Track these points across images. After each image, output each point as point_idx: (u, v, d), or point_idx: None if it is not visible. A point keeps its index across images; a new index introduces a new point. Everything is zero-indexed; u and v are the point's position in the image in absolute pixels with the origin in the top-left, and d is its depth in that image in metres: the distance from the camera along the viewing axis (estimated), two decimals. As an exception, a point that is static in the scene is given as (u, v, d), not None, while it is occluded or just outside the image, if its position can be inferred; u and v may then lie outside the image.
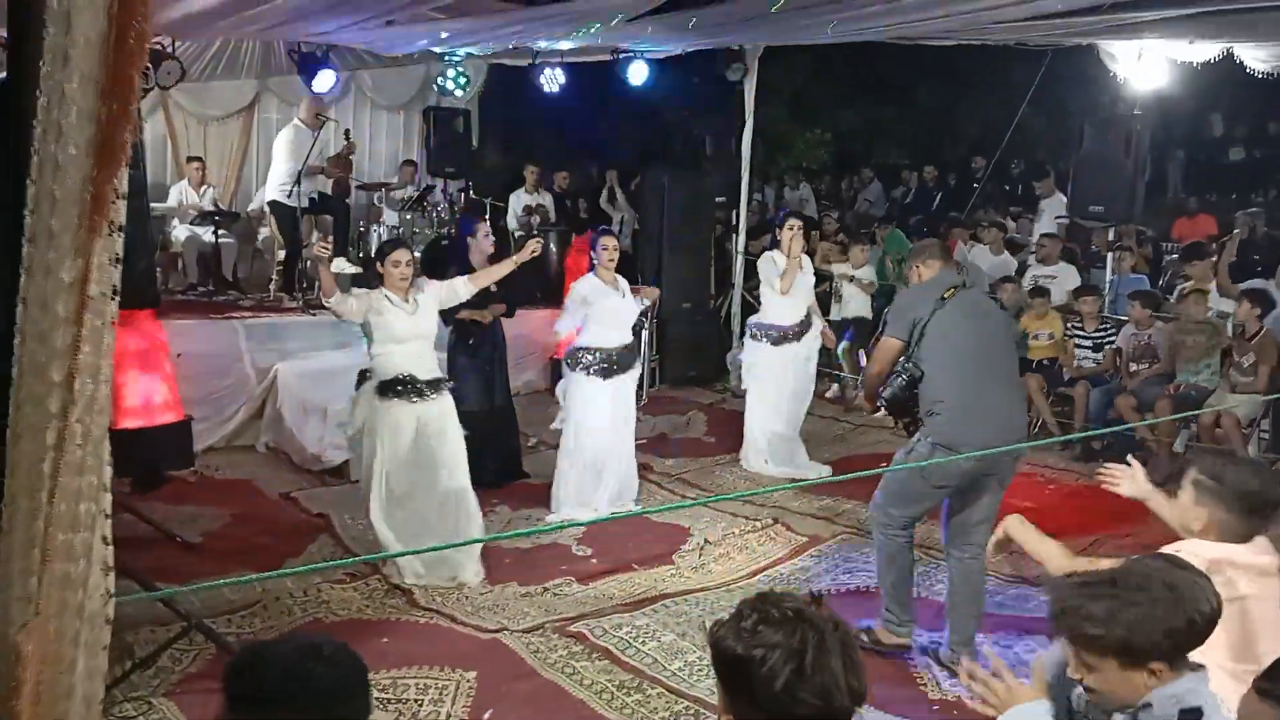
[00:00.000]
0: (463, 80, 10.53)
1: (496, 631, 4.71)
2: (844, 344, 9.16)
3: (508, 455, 6.93)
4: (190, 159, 9.79)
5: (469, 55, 9.92)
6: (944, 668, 4.43)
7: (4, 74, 1.94)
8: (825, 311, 9.44)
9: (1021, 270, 9.55)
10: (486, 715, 4.03)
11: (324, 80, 8.52)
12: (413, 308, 5.26)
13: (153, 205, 9.23)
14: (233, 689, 1.64)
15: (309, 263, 8.94)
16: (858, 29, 7.64)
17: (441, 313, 5.61)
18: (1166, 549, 2.64)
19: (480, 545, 5.39)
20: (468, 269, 6.50)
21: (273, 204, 8.89)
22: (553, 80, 9.67)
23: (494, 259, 6.73)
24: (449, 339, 6.56)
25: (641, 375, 6.92)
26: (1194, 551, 2.60)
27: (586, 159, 13.37)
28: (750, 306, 8.05)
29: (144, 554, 5.16)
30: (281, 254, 8.99)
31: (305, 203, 8.78)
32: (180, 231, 9.34)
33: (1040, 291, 8.42)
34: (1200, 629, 2.08)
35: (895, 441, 7.73)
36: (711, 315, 10.12)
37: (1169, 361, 7.48)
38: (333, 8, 6.50)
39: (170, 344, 6.88)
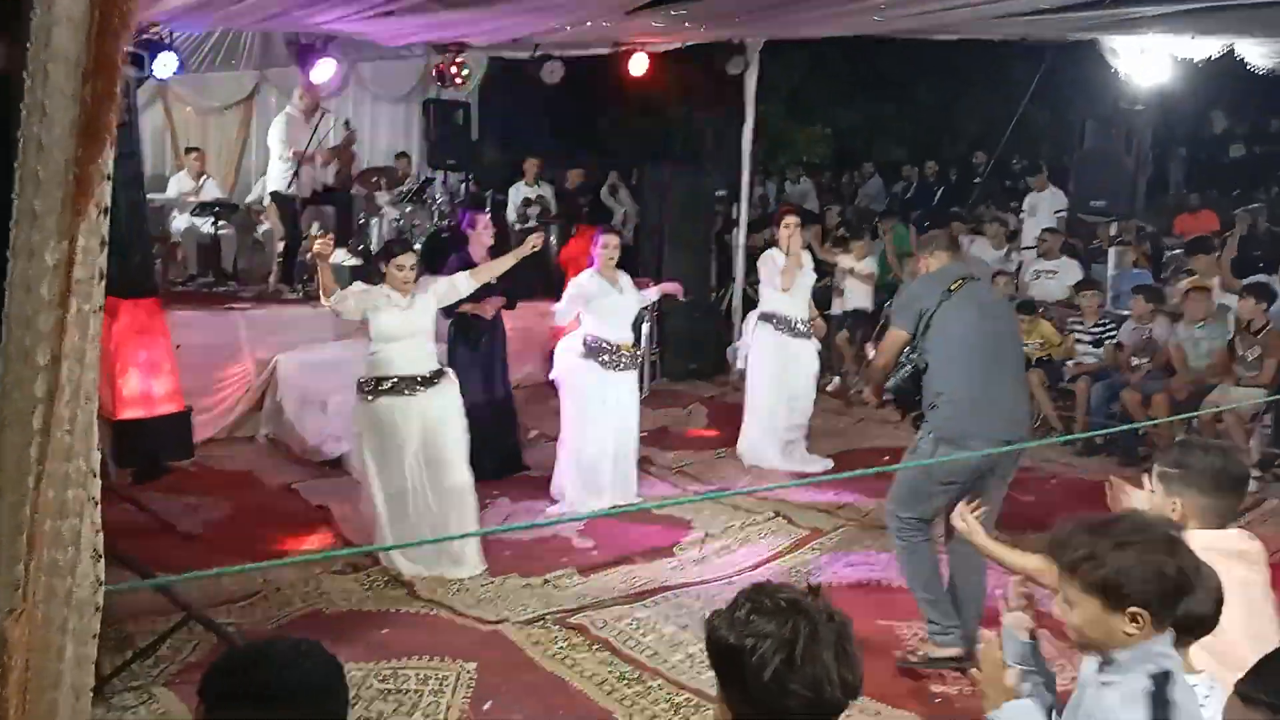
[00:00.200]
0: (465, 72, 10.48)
1: (497, 623, 4.71)
2: (842, 333, 9.16)
3: (508, 448, 6.93)
4: (189, 150, 9.76)
5: (469, 47, 9.88)
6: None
7: None
8: (827, 305, 9.46)
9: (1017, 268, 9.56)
10: (486, 706, 4.03)
11: (323, 70, 8.49)
12: (409, 303, 5.25)
13: (152, 196, 9.24)
14: (212, 690, 1.63)
15: (309, 254, 8.91)
16: (861, 22, 7.63)
17: (442, 308, 5.60)
18: None
19: (478, 540, 5.37)
20: (468, 261, 6.50)
21: (274, 195, 8.87)
22: (553, 73, 9.63)
23: (494, 252, 6.73)
24: (449, 332, 6.55)
25: (642, 369, 6.91)
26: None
27: (587, 152, 13.35)
28: (751, 301, 8.03)
29: (144, 544, 5.15)
30: (281, 245, 8.97)
31: (306, 194, 8.75)
32: (179, 223, 9.32)
33: (1027, 307, 8.16)
34: (1184, 586, 2.07)
35: (897, 435, 7.74)
36: (712, 309, 10.11)
37: (1170, 356, 7.47)
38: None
39: (170, 335, 6.89)
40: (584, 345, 6.16)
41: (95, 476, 1.50)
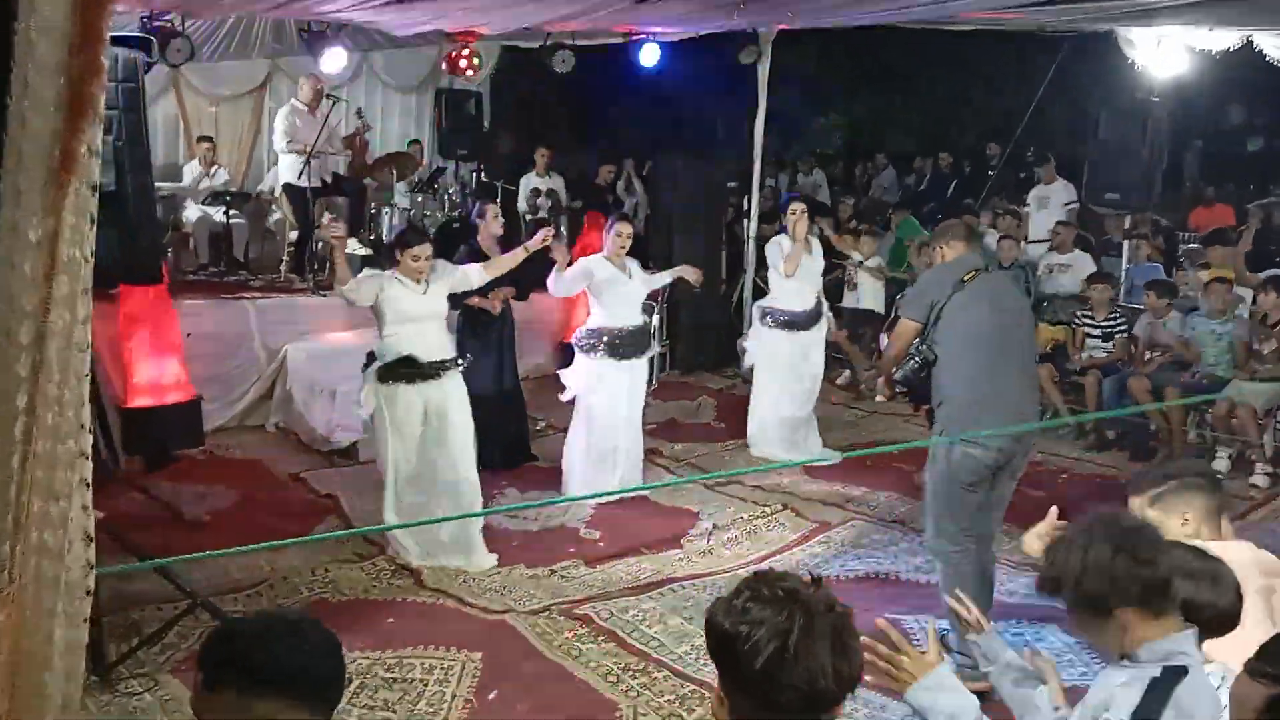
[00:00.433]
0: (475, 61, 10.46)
1: (503, 613, 4.71)
2: (841, 332, 9.10)
3: (516, 438, 6.92)
4: (200, 139, 9.77)
5: (480, 37, 9.86)
6: (952, 654, 4.38)
7: None
8: (839, 299, 9.42)
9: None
10: (491, 696, 4.03)
11: (333, 60, 8.47)
12: (423, 288, 5.24)
13: (164, 185, 9.26)
14: (209, 661, 1.63)
15: (320, 244, 8.92)
16: (877, 11, 7.57)
17: (450, 296, 5.59)
18: None
19: (481, 535, 5.37)
20: (477, 251, 6.50)
21: (285, 186, 8.87)
22: (564, 62, 9.59)
23: (503, 242, 6.72)
24: (458, 322, 6.54)
25: (652, 360, 6.89)
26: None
27: (598, 142, 13.31)
28: (762, 293, 8.00)
29: (152, 532, 5.18)
30: (293, 235, 8.98)
31: (318, 184, 8.76)
32: (191, 212, 9.33)
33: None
34: (1163, 578, 2.11)
35: (908, 429, 7.75)
36: (722, 301, 10.07)
37: (1184, 350, 7.42)
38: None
39: (181, 324, 6.91)
40: (592, 334, 6.14)
41: (86, 458, 1.49)
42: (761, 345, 7.25)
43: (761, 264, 8.54)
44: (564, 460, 6.32)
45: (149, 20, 7.04)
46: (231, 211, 9.19)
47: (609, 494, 5.97)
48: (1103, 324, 7.95)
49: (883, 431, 7.87)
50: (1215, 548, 2.64)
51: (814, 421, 7.30)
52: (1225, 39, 7.55)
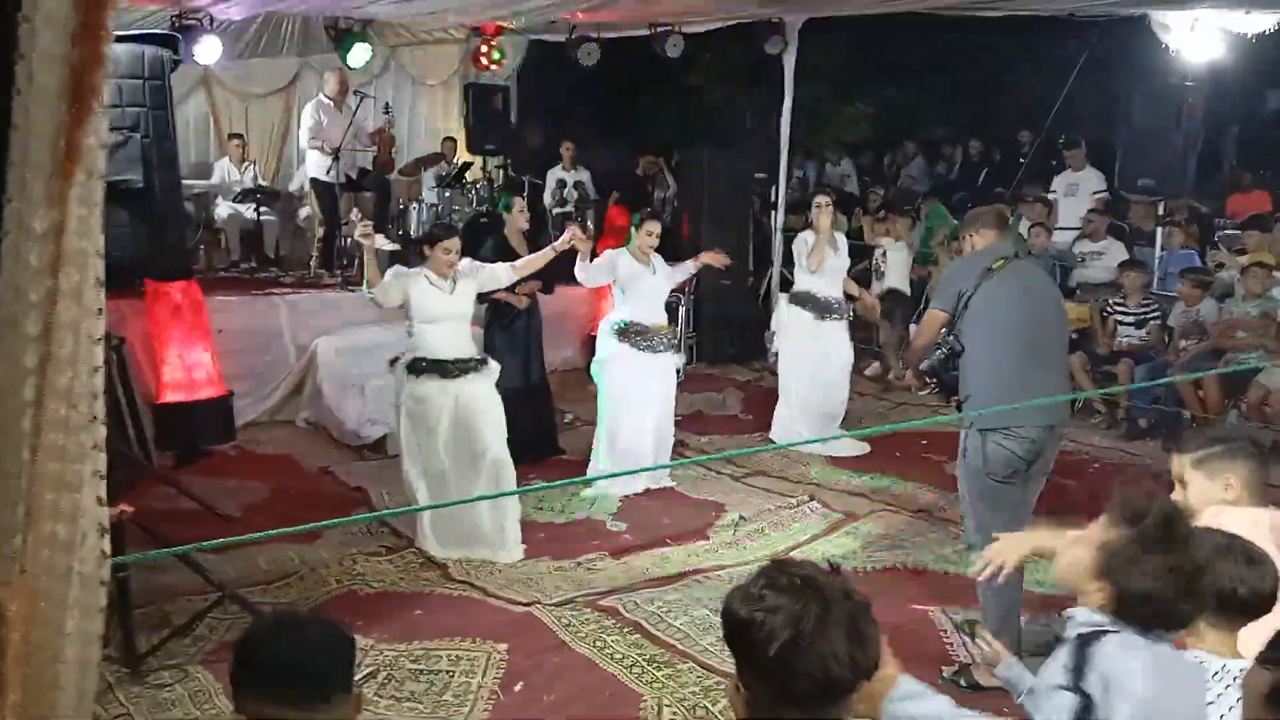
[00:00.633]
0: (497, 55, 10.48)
1: (529, 605, 4.72)
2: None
3: (543, 432, 6.94)
4: (231, 136, 9.88)
5: (505, 31, 9.88)
6: (978, 645, 4.34)
7: None
8: (866, 287, 9.36)
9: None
10: (517, 687, 4.04)
11: (359, 55, 8.51)
12: (450, 287, 5.26)
13: (196, 183, 9.38)
14: (236, 660, 1.74)
15: (348, 240, 8.99)
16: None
17: (478, 294, 5.61)
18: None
19: (518, 524, 5.39)
20: (504, 244, 6.52)
21: (313, 181, 8.94)
22: (590, 55, 9.59)
23: (529, 236, 6.74)
24: (485, 316, 6.57)
25: (680, 359, 6.90)
26: (1232, 521, 2.53)
27: (625, 135, 13.30)
28: (789, 284, 7.97)
29: (184, 526, 5.24)
30: (322, 231, 9.05)
31: (344, 179, 8.82)
32: (223, 209, 9.44)
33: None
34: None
35: (936, 419, 7.67)
36: (750, 293, 10.04)
37: (1218, 338, 7.31)
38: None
39: (212, 320, 6.99)
40: (618, 329, 6.15)
41: (100, 451, 1.50)
42: (788, 337, 7.22)
43: (788, 259, 8.52)
44: (592, 454, 6.34)
45: (178, 19, 7.11)
46: (262, 208, 9.27)
47: (631, 472, 5.98)
48: (1135, 311, 7.85)
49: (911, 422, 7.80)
50: (1254, 514, 2.62)
51: (841, 414, 7.26)
52: (1262, 21, 7.40)
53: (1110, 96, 11.32)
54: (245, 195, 9.30)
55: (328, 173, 8.71)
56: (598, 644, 4.38)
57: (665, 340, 6.29)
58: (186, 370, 6.77)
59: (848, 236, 7.71)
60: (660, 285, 6.31)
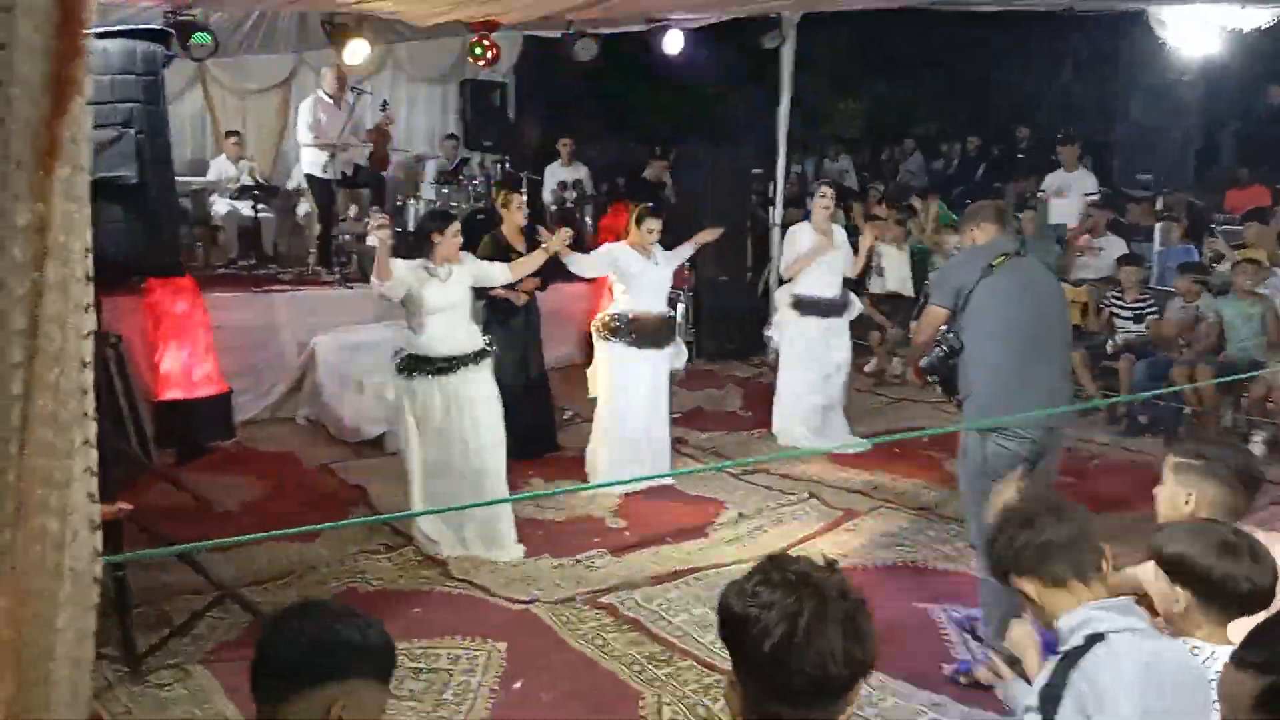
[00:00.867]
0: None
1: (528, 603, 4.71)
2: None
3: (542, 428, 6.93)
4: (228, 133, 9.85)
5: (501, 26, 9.83)
6: (980, 644, 4.34)
7: None
8: (865, 284, 9.34)
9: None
10: (516, 685, 4.04)
11: (355, 51, 8.48)
12: (446, 274, 5.24)
13: (193, 179, 9.35)
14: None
15: (345, 236, 8.97)
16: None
17: (474, 290, 5.59)
18: None
19: (513, 523, 5.38)
20: (502, 240, 6.50)
21: (308, 177, 8.93)
22: (586, 50, 9.55)
23: (527, 232, 6.72)
24: (484, 313, 6.55)
25: (683, 355, 6.89)
26: None
27: (622, 130, 13.29)
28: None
29: (183, 524, 5.22)
30: (319, 228, 9.03)
31: (339, 176, 8.80)
32: (220, 206, 9.42)
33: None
34: (1041, 544, 2.21)
35: (936, 416, 7.67)
36: (748, 289, 10.03)
37: (1217, 333, 7.30)
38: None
39: (211, 317, 6.97)
40: (618, 322, 6.13)
41: (91, 445, 1.49)
42: (787, 333, 7.21)
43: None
44: (589, 450, 6.33)
45: (172, 14, 7.08)
46: (259, 205, 9.25)
47: (633, 480, 5.95)
48: (1133, 305, 7.85)
49: (910, 419, 7.80)
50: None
51: (841, 409, 7.25)
52: (1258, 16, 7.39)
53: (1108, 92, 11.34)
54: (242, 192, 9.28)
55: (324, 169, 8.69)
56: (597, 642, 4.38)
57: (662, 336, 6.27)
58: (185, 368, 6.76)
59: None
60: (663, 276, 6.29)
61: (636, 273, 6.15)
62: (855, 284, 8.09)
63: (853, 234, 7.70)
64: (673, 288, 6.69)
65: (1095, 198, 9.42)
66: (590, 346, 6.57)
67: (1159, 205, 8.92)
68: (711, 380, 8.90)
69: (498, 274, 5.60)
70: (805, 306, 7.04)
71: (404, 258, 5.36)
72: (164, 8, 6.91)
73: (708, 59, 10.38)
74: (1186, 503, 2.72)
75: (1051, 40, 11.61)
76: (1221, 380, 6.73)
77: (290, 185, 10.02)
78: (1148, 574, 2.41)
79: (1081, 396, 7.43)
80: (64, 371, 1.41)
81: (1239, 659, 1.57)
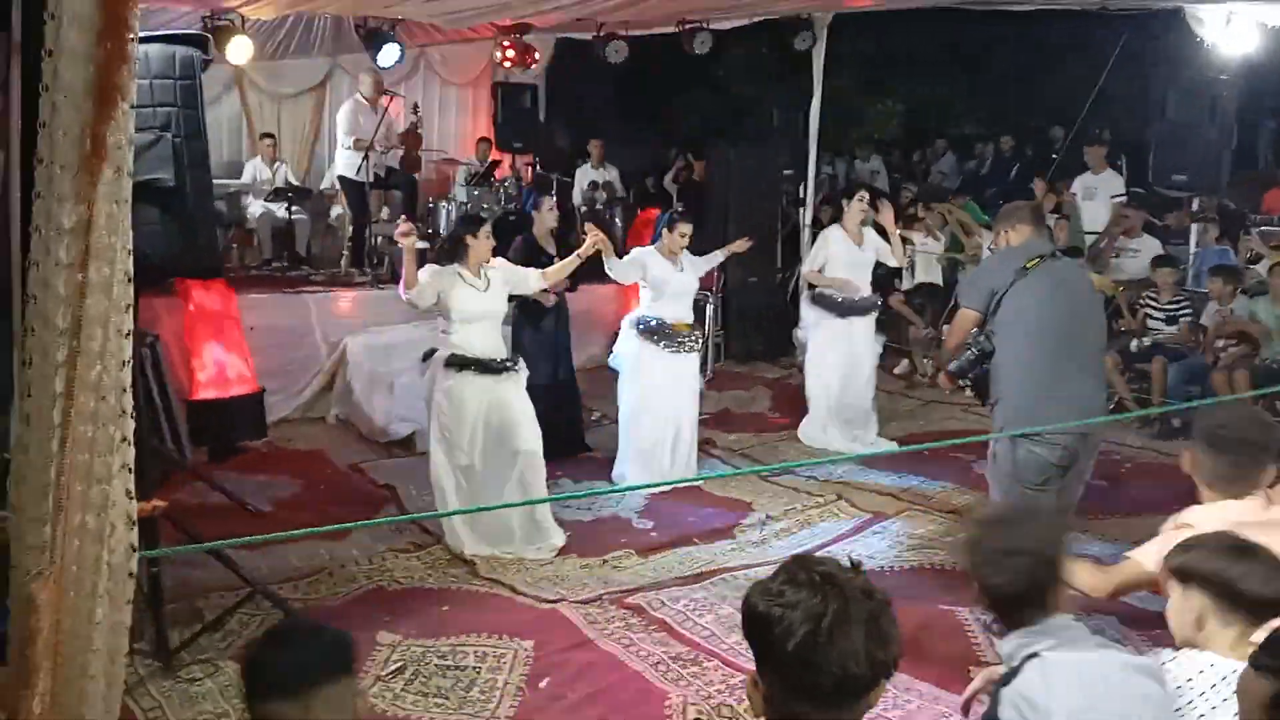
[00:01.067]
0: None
1: (555, 602, 4.73)
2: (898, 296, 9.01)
3: (570, 429, 6.96)
4: (263, 136, 9.97)
5: (533, 29, 9.90)
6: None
7: None
8: (895, 284, 9.31)
9: None
10: (543, 684, 4.06)
11: (388, 55, 8.57)
12: (484, 284, 5.29)
13: (228, 182, 9.47)
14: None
15: (378, 238, 9.05)
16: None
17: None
18: (1173, 520, 2.72)
19: (552, 518, 5.42)
20: (532, 242, 6.55)
21: (341, 179, 9.03)
22: (618, 52, 9.58)
23: (558, 234, 6.76)
24: (513, 314, 6.59)
25: (706, 350, 6.89)
26: (1196, 521, 2.55)
27: (653, 132, 13.30)
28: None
29: (216, 522, 5.29)
30: (351, 229, 9.12)
31: (372, 178, 8.88)
32: (255, 208, 9.53)
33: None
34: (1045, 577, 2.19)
35: (966, 418, 7.62)
36: (778, 290, 10.01)
37: (1254, 336, 7.22)
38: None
39: (244, 318, 7.07)
40: (643, 326, 6.16)
41: (128, 443, 1.52)
42: (816, 334, 7.20)
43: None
44: (618, 450, 6.35)
45: (210, 19, 7.19)
46: (294, 207, 9.36)
47: (680, 481, 6.02)
48: (1167, 306, 7.79)
49: (940, 421, 7.76)
50: (1222, 509, 2.63)
51: (872, 411, 7.23)
52: (1300, 13, 7.29)
53: (1144, 91, 11.20)
54: (276, 194, 9.39)
55: (357, 171, 8.78)
56: (624, 641, 4.39)
57: (690, 339, 6.29)
58: (219, 367, 6.86)
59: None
60: (688, 283, 6.31)
61: (662, 279, 6.17)
62: (887, 281, 8.06)
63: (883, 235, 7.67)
64: (701, 290, 6.71)
65: (1123, 199, 9.31)
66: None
67: (1195, 206, 8.81)
68: (740, 382, 8.89)
69: (533, 281, 5.64)
70: (834, 307, 7.03)
71: (435, 262, 5.41)
72: (201, 12, 7.02)
73: (738, 60, 10.38)
74: (1196, 476, 2.79)
75: (1086, 39, 11.48)
76: (1262, 393, 6.63)
77: (324, 185, 10.13)
78: (1147, 556, 2.43)
79: (1113, 400, 7.36)
80: (105, 370, 1.45)
81: (1255, 661, 1.58)
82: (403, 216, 8.10)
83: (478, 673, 4.12)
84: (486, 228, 5.33)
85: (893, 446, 7.03)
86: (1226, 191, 9.60)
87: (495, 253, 5.52)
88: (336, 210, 9.79)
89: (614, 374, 6.44)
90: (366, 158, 8.68)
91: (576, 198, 10.88)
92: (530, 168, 11.11)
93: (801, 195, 9.94)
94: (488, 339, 5.31)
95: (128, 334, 1.49)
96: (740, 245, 6.74)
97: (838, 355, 7.04)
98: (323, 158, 10.74)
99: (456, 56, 11.27)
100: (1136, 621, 4.11)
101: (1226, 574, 2.21)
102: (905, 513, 5.92)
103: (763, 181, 9.80)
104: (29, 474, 1.41)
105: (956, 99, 15.60)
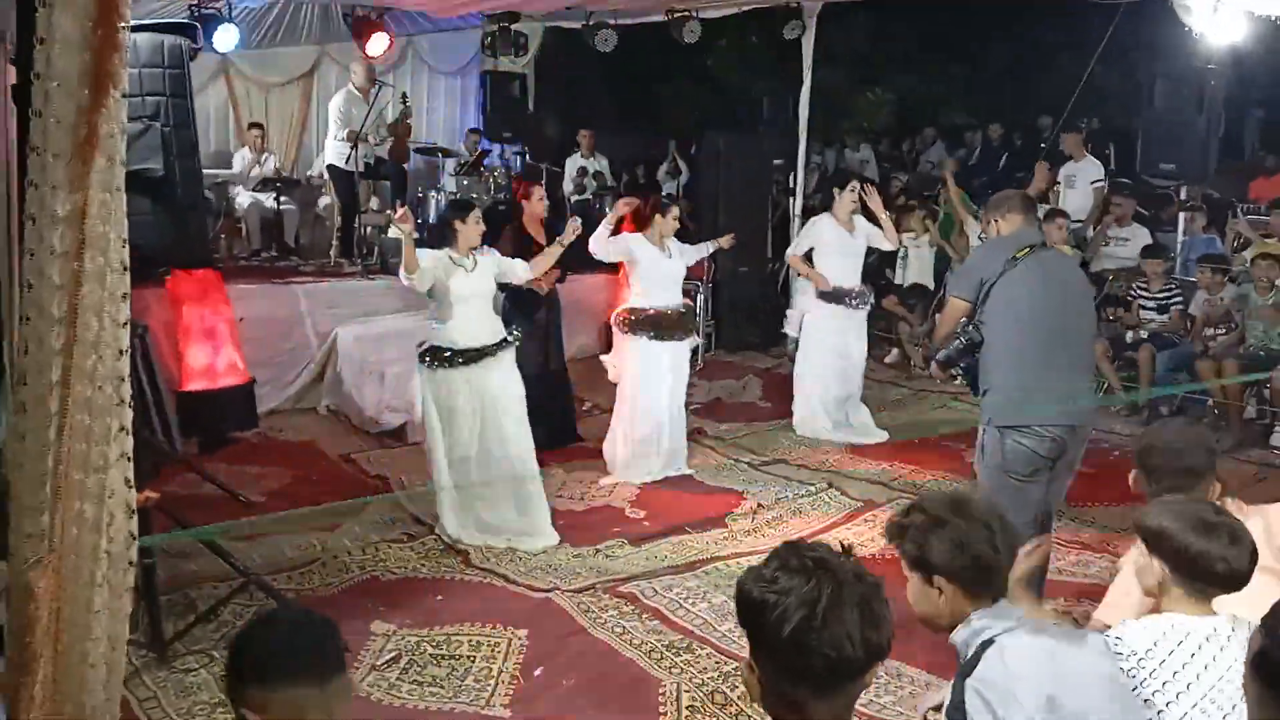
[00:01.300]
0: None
1: (548, 591, 4.75)
2: (892, 298, 9.03)
3: (562, 419, 6.96)
4: (251, 125, 9.91)
5: (523, 17, 9.86)
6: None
7: None
8: (886, 275, 9.33)
9: None
10: (537, 673, 4.07)
11: (377, 44, 8.53)
12: (472, 265, 5.29)
13: (216, 172, 9.41)
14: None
15: (367, 228, 9.02)
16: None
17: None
18: (1125, 558, 2.82)
19: (547, 511, 5.43)
20: (522, 232, 6.54)
21: (330, 168, 8.99)
22: (607, 41, 9.55)
23: (547, 224, 6.75)
24: (504, 304, 6.58)
25: (697, 340, 6.89)
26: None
27: (643, 121, 13.27)
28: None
29: (208, 512, 5.29)
30: (340, 219, 9.09)
31: (361, 168, 8.85)
32: (243, 198, 9.48)
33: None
34: (982, 557, 2.14)
35: (956, 407, 7.66)
36: (768, 280, 10.02)
37: (1240, 324, 7.27)
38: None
39: (234, 308, 7.03)
40: (634, 315, 6.15)
41: (126, 433, 1.52)
42: (806, 323, 7.21)
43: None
44: (608, 441, 6.35)
45: (197, 7, 7.14)
46: (282, 197, 9.32)
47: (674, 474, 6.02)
48: (1157, 295, 7.83)
49: (930, 410, 7.79)
50: None
51: (861, 400, 7.25)
52: (1289, 1, 7.30)
53: (1132, 80, 11.20)
54: (265, 184, 9.35)
55: (346, 161, 8.74)
56: (617, 630, 4.41)
57: (681, 326, 6.28)
58: (209, 358, 6.83)
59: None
60: (676, 269, 6.29)
61: (648, 263, 6.14)
62: (877, 278, 8.07)
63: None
64: (691, 279, 6.70)
65: (1102, 185, 9.33)
66: (610, 338, 6.60)
67: (1182, 195, 8.85)
68: (731, 371, 8.91)
69: (520, 271, 5.65)
70: (825, 296, 7.04)
71: (428, 248, 5.40)
72: (189, 1, 6.97)
73: (728, 49, 10.36)
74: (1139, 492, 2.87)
75: (1074, 29, 11.48)
76: (1249, 379, 6.69)
77: (312, 175, 10.08)
78: (1107, 614, 2.46)
79: (1103, 387, 7.40)
80: (101, 359, 1.44)
81: (1264, 619, 1.63)
82: (398, 202, 8.08)
83: (472, 662, 4.13)
84: (476, 213, 5.33)
85: (883, 435, 7.06)
86: (1214, 180, 9.62)
87: (485, 241, 5.51)
88: (325, 200, 9.74)
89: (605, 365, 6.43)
90: (355, 147, 8.65)
91: (567, 187, 10.86)
92: (520, 157, 11.08)
93: (791, 184, 9.94)
94: (478, 321, 5.30)
95: (124, 324, 1.48)
96: (726, 241, 6.76)
97: (829, 344, 7.05)
98: (311, 147, 10.69)
99: (445, 45, 11.23)
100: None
101: (1190, 550, 2.28)
102: (895, 501, 5.94)
103: (752, 170, 9.80)
104: (25, 461, 1.40)
105: (945, 88, 15.59)
